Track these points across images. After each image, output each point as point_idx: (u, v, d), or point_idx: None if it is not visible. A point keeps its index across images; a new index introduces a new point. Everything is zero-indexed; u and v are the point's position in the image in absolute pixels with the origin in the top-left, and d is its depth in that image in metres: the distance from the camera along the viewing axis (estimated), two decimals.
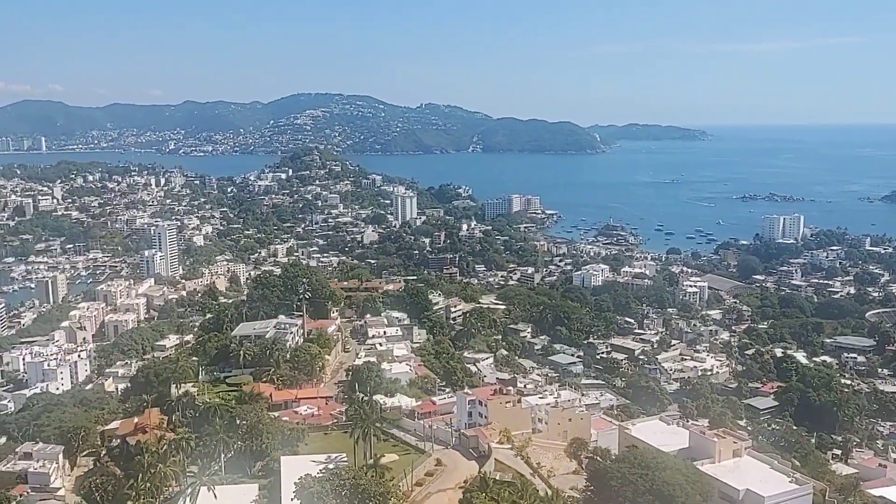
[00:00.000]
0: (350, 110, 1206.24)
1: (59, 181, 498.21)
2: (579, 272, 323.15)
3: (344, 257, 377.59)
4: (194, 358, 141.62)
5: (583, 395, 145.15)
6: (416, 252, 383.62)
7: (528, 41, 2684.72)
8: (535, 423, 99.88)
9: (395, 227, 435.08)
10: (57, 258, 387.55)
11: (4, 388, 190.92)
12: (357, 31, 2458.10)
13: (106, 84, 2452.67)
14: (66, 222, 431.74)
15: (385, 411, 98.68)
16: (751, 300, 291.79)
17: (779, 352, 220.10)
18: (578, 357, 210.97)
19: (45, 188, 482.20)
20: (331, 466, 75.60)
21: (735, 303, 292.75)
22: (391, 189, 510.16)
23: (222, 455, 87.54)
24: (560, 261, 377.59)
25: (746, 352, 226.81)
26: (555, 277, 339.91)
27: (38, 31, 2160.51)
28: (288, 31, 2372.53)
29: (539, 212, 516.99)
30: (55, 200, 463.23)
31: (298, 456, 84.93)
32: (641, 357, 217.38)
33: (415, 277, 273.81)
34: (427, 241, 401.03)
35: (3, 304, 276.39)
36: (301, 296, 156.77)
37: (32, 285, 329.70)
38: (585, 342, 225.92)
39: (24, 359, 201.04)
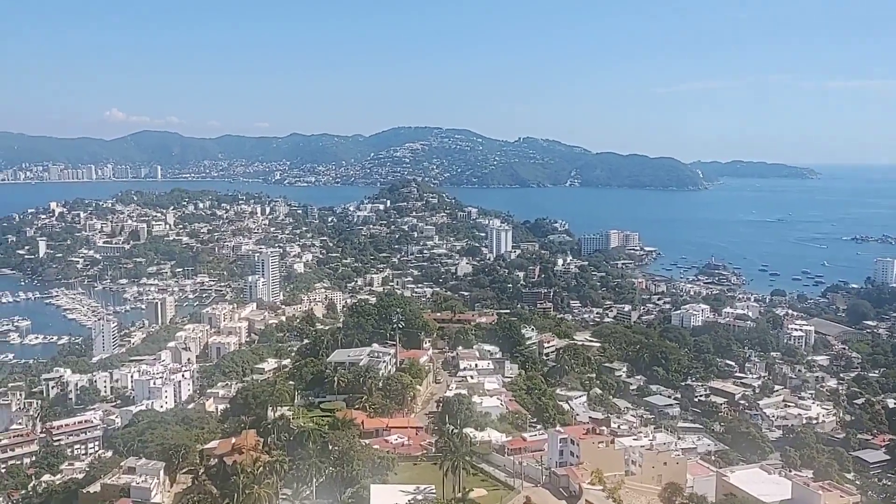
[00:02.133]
0: (448, 143, 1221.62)
1: (171, 208, 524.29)
2: (678, 311, 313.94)
3: (438, 288, 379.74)
4: (291, 382, 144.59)
5: (679, 438, 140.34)
6: (510, 285, 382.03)
7: (629, 76, 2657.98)
8: (628, 466, 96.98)
9: (489, 259, 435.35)
10: (167, 281, 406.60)
11: (113, 405, 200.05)
12: (457, 67, 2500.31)
13: (218, 116, 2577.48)
14: (177, 247, 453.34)
15: (475, 445, 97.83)
16: (861, 346, 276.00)
17: (891, 402, 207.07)
18: (675, 399, 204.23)
19: (159, 214, 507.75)
20: (419, 497, 75.54)
21: (844, 349, 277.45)
22: (486, 222, 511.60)
23: (314, 480, 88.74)
24: (658, 299, 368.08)
25: (855, 401, 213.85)
26: (652, 316, 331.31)
27: (157, 68, 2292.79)
28: (390, 68, 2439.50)
29: (638, 248, 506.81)
30: (167, 226, 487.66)
31: (388, 485, 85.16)
32: (742, 402, 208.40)
33: (508, 311, 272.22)
34: (521, 274, 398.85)
35: (115, 324, 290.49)
36: (395, 325, 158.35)
37: (143, 306, 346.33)
38: (683, 384, 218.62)
39: (132, 376, 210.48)
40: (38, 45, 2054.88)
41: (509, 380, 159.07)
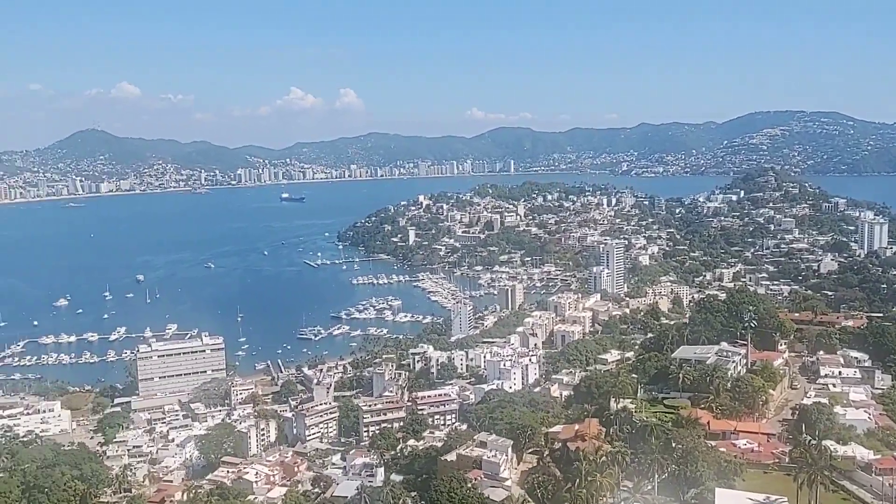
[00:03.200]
0: (813, 128, 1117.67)
1: (522, 200, 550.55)
2: None
3: (796, 286, 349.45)
4: (634, 375, 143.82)
5: None
6: (884, 286, 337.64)
7: None
8: None
9: (859, 256, 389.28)
10: (516, 269, 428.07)
11: (468, 381, 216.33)
12: (821, 43, 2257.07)
13: (569, 110, 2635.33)
14: (527, 237, 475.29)
15: (836, 459, 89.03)
16: None
17: None
18: None
19: (511, 206, 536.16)
20: None
21: None
22: (856, 214, 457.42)
23: (656, 475, 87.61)
24: None
25: None
26: None
27: (512, 68, 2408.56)
28: (743, 51, 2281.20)
29: None
30: (518, 217, 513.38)
31: (734, 491, 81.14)
32: None
33: (881, 315, 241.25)
34: None
35: (471, 307, 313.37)
36: (746, 324, 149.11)
37: (495, 292, 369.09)
38: None
39: (484, 357, 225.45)
40: (413, 52, 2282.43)
41: (880, 392, 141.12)
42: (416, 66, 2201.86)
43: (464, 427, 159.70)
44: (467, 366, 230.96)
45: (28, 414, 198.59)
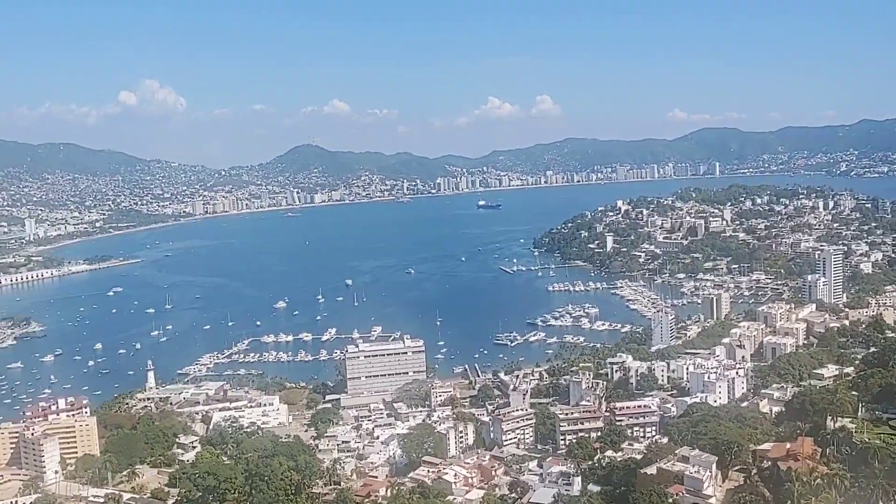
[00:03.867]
0: None
1: (728, 204, 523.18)
2: None
3: None
4: (854, 392, 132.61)
5: None
6: None
7: None
8: None
9: None
10: (722, 277, 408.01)
11: (669, 393, 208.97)
12: None
13: (779, 108, 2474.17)
14: (733, 243, 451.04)
15: None
16: None
17: None
18: None
19: (716, 210, 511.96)
20: None
21: None
22: None
23: (880, 502, 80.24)
24: None
25: None
26: None
27: (722, 64, 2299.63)
28: None
29: None
30: (724, 222, 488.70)
31: None
32: None
33: None
34: None
35: (672, 316, 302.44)
36: None
37: (699, 301, 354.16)
38: None
39: (687, 368, 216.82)
40: (610, 54, 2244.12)
41: None
42: (613, 69, 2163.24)
43: (664, 440, 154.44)
44: (668, 377, 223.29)
45: (251, 407, 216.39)
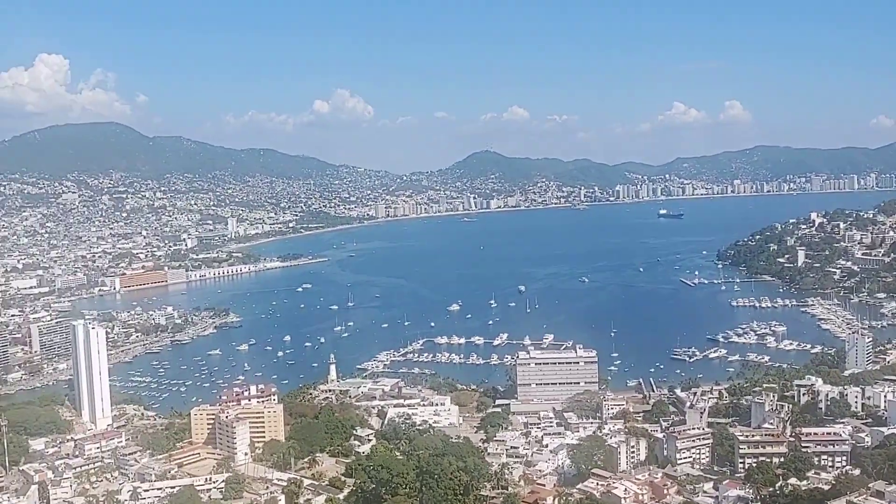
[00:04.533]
0: None
1: None
2: None
3: None
4: None
5: None
6: None
7: None
8: None
9: None
10: None
11: (863, 422, 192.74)
12: None
13: None
14: None
15: None
16: None
17: None
18: None
19: None
20: None
21: None
22: None
23: None
24: None
25: None
26: None
27: None
28: None
29: None
30: None
31: None
32: None
33: None
34: None
35: (870, 339, 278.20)
36: None
37: None
38: None
39: (885, 396, 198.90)
40: (805, 57, 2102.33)
41: None
42: (811, 73, 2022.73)
43: (856, 472, 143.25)
44: (863, 404, 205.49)
45: (424, 405, 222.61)
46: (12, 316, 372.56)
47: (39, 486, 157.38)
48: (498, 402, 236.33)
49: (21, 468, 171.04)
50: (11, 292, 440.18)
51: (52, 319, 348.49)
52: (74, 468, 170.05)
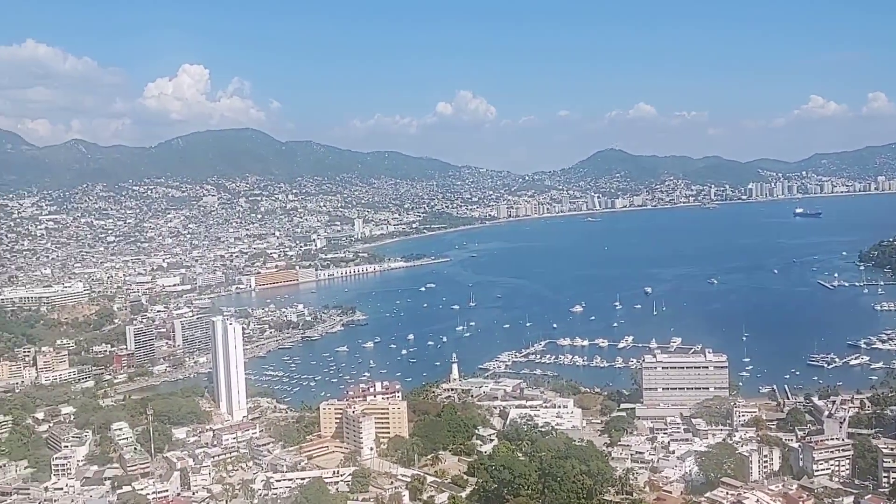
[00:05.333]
0: None
1: None
2: None
3: None
4: None
5: None
6: None
7: None
8: None
9: None
10: None
11: None
12: None
13: None
14: None
15: None
16: None
17: None
18: None
19: None
20: None
21: None
22: None
23: None
24: None
25: None
26: None
27: None
28: None
29: None
30: None
31: None
32: None
33: None
34: None
35: None
36: None
37: None
38: None
39: None
40: None
41: None
42: None
43: None
44: None
45: (546, 407, 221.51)
46: (158, 312, 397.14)
47: (181, 472, 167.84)
48: (623, 405, 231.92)
49: (165, 455, 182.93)
50: (157, 289, 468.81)
51: (193, 315, 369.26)
52: (213, 457, 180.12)
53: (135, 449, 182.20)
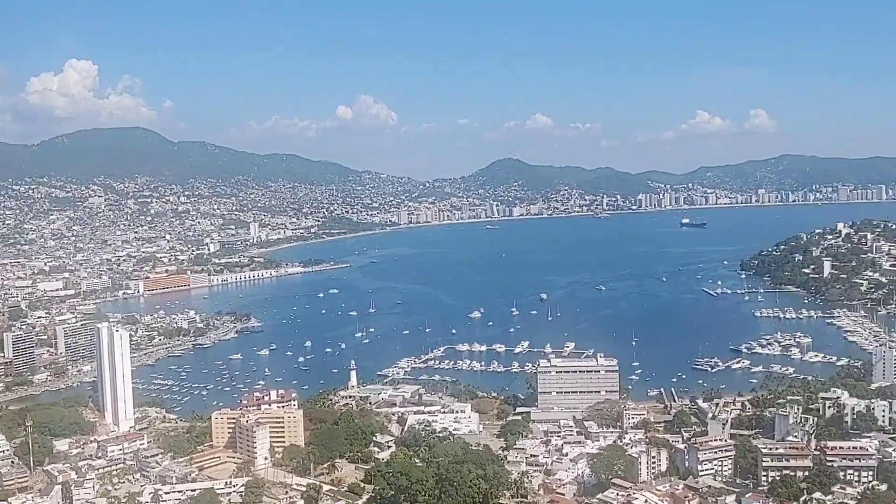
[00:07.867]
0: None
1: None
2: None
3: None
4: None
5: None
6: None
7: None
8: None
9: None
10: None
11: (891, 436, 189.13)
12: None
13: None
14: None
15: None
16: None
17: None
18: None
19: None
20: None
21: None
22: None
23: None
24: None
25: None
26: None
27: None
28: None
29: None
30: None
31: None
32: None
33: None
34: None
35: None
36: None
37: None
38: None
39: None
40: (830, 65, 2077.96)
41: None
42: (840, 82, 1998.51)
43: (883, 487, 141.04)
44: (890, 418, 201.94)
45: (444, 412, 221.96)
46: (39, 318, 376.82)
47: (63, 486, 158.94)
48: (518, 409, 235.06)
49: (45, 468, 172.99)
50: (38, 294, 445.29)
51: (77, 322, 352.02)
52: (97, 469, 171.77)
53: (12, 462, 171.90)
